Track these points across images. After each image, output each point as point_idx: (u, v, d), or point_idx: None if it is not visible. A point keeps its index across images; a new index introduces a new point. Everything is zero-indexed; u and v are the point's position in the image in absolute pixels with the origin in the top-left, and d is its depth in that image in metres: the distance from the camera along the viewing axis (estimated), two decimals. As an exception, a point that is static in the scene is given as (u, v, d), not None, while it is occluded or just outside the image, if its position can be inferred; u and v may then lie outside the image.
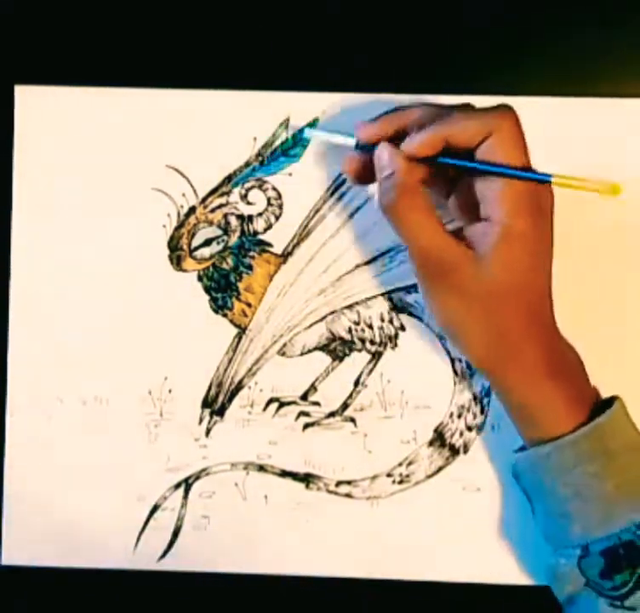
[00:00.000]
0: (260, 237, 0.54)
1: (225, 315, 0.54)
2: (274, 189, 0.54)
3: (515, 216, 0.44)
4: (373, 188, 0.53)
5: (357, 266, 0.54)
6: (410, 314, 0.54)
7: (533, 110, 0.53)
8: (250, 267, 0.54)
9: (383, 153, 0.46)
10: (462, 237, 0.46)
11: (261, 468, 0.54)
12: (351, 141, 0.48)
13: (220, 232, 0.54)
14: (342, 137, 0.49)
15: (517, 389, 0.46)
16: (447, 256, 0.45)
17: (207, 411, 0.54)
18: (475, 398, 0.53)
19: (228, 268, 0.54)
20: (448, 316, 0.46)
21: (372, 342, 0.54)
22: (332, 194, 0.54)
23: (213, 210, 0.54)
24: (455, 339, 0.47)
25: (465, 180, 0.47)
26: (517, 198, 0.45)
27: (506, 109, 0.46)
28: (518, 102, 0.53)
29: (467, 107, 0.47)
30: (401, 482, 0.53)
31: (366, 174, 0.48)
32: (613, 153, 0.53)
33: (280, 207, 0.54)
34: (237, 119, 0.54)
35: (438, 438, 0.53)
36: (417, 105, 0.47)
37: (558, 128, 0.53)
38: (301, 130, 0.53)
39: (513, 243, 0.45)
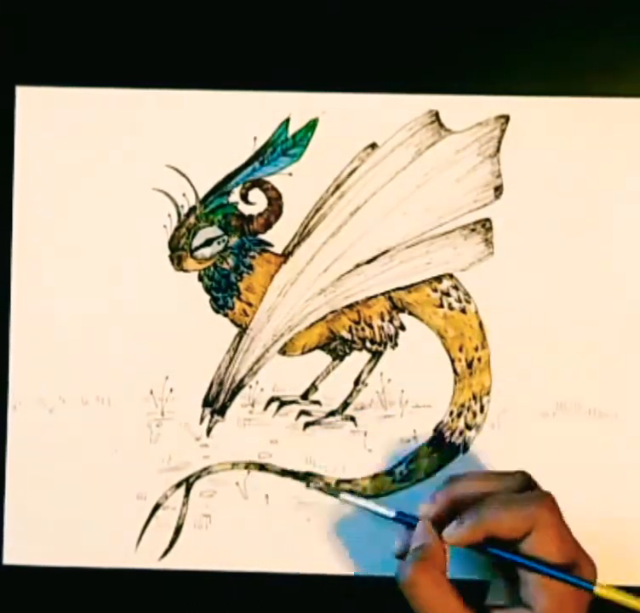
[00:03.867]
0: (261, 236, 0.54)
1: (225, 315, 0.54)
2: (274, 189, 0.54)
3: (560, 608, 0.44)
4: (373, 187, 0.54)
5: (358, 266, 0.54)
6: (410, 314, 0.54)
7: (532, 110, 0.53)
8: (251, 267, 0.54)
9: (421, 529, 0.47)
10: None
11: (262, 467, 0.54)
12: (391, 513, 0.49)
13: (220, 232, 0.54)
14: (382, 508, 0.49)
15: None
16: None
17: (208, 410, 0.54)
18: (474, 397, 0.53)
19: (229, 268, 0.54)
20: None
21: (372, 341, 0.54)
22: (332, 194, 0.54)
23: (213, 210, 0.54)
24: None
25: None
26: (559, 594, 0.44)
27: (547, 500, 0.46)
28: (518, 102, 0.53)
29: (516, 479, 0.47)
30: (401, 481, 0.53)
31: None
32: (613, 153, 0.53)
33: (280, 207, 0.54)
34: (238, 119, 0.54)
35: (438, 437, 0.53)
36: (468, 479, 0.47)
37: (558, 128, 0.53)
38: (297, 132, 0.53)
39: None
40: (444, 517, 0.47)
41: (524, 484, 0.47)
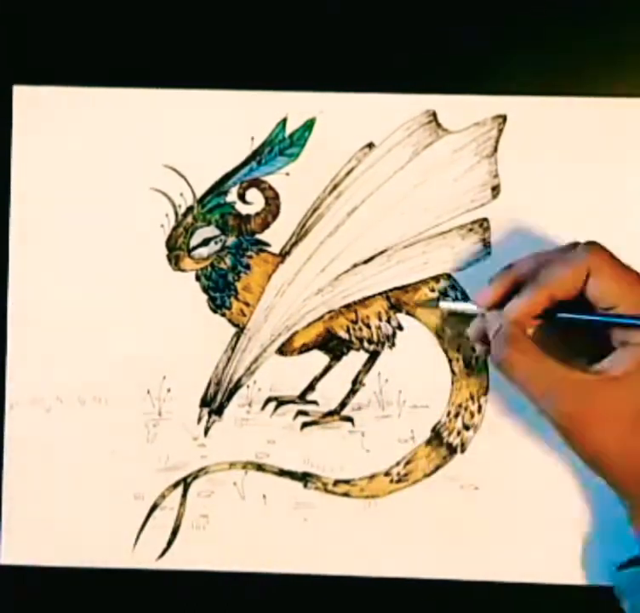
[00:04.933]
0: (258, 236, 0.54)
1: (223, 314, 0.54)
2: (272, 188, 0.54)
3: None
4: (370, 187, 0.54)
5: (355, 266, 0.54)
6: (408, 313, 0.54)
7: (529, 110, 0.53)
8: (248, 267, 0.54)
9: (491, 317, 0.48)
10: (590, 371, 0.45)
11: (260, 467, 0.54)
12: (478, 309, 0.49)
13: (217, 232, 0.54)
14: (469, 305, 0.50)
15: None
16: (579, 386, 0.44)
17: (205, 410, 0.54)
18: (472, 397, 0.53)
19: (226, 268, 0.54)
20: (595, 447, 0.45)
21: (370, 341, 0.54)
22: (330, 193, 0.54)
23: (211, 210, 0.54)
24: (604, 470, 0.45)
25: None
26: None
27: (593, 247, 0.46)
28: (515, 102, 0.53)
29: (563, 248, 0.48)
30: (399, 481, 0.53)
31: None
32: (613, 153, 0.53)
33: (278, 206, 0.54)
34: (235, 119, 0.54)
35: (436, 437, 0.53)
36: (525, 260, 0.48)
37: (558, 128, 0.53)
38: (294, 132, 0.53)
39: None
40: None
41: (575, 246, 0.47)
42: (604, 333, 0.47)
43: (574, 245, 0.47)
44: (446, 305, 0.52)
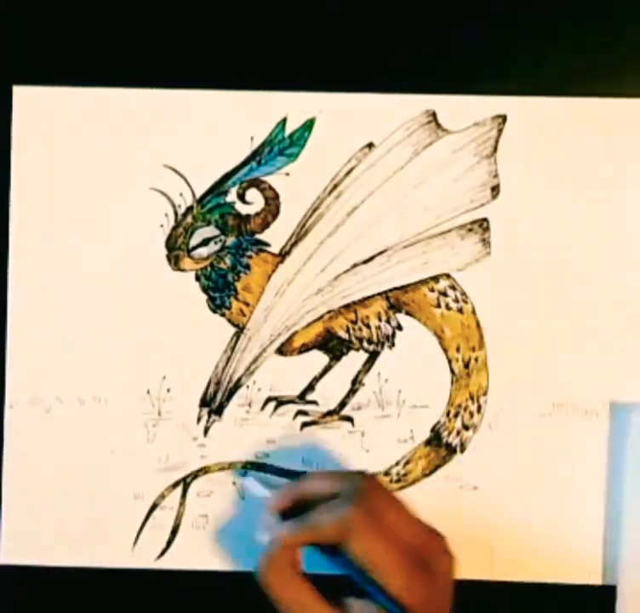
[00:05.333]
0: (258, 236, 0.54)
1: (223, 314, 0.54)
2: (271, 188, 0.54)
3: (412, 596, 0.44)
4: (370, 187, 0.54)
5: (355, 266, 0.54)
6: (407, 313, 0.54)
7: (529, 110, 0.53)
8: (248, 267, 0.54)
9: (269, 524, 0.48)
10: (344, 606, 0.46)
11: (259, 467, 0.54)
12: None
13: (217, 232, 0.54)
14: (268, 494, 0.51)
15: None
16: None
17: (205, 410, 0.54)
18: (471, 397, 0.53)
19: (226, 268, 0.54)
20: None
21: (369, 341, 0.54)
22: (329, 193, 0.54)
23: (210, 210, 0.54)
24: None
25: None
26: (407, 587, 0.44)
27: (363, 499, 0.46)
28: (515, 102, 0.53)
29: (353, 480, 0.47)
30: (398, 481, 0.53)
31: None
32: (613, 153, 0.53)
33: (277, 206, 0.54)
34: (235, 119, 0.54)
35: (435, 437, 0.53)
36: (316, 479, 0.48)
37: (558, 128, 0.53)
38: (294, 132, 0.53)
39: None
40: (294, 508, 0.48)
41: (360, 485, 0.47)
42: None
43: (355, 480, 0.47)
44: (249, 483, 0.53)
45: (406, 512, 0.46)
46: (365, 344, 0.54)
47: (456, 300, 0.53)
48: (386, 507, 0.46)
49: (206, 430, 0.54)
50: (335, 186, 0.54)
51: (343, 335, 0.54)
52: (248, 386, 0.54)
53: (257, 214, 0.54)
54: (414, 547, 0.45)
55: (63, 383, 0.54)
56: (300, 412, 0.54)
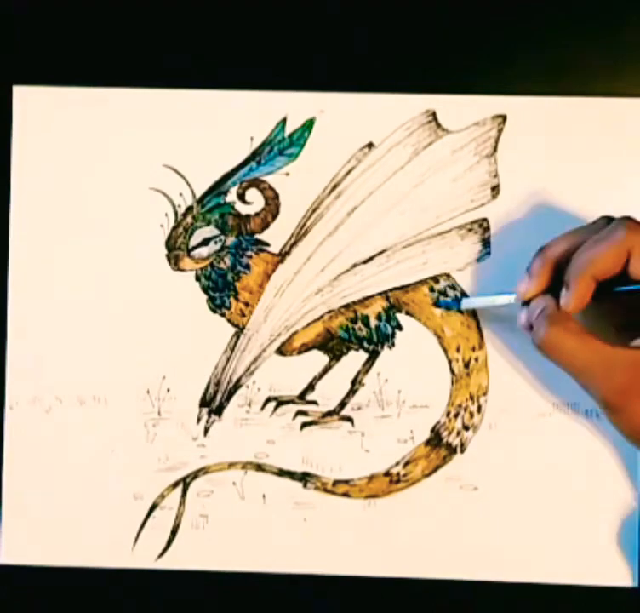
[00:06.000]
0: (258, 236, 0.54)
1: (223, 314, 0.54)
2: (271, 188, 0.54)
3: None
4: (370, 187, 0.54)
5: (355, 266, 0.54)
6: (407, 313, 0.54)
7: (529, 110, 0.53)
8: (248, 267, 0.54)
9: (535, 304, 0.47)
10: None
11: (259, 467, 0.54)
12: (512, 298, 0.49)
13: (217, 232, 0.54)
14: (503, 297, 0.50)
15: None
16: (628, 361, 0.44)
17: (205, 410, 0.54)
18: (472, 397, 0.53)
19: (226, 268, 0.54)
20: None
21: (369, 341, 0.54)
22: (329, 193, 0.54)
23: (210, 210, 0.54)
24: None
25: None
26: None
27: (630, 222, 0.45)
28: (515, 102, 0.53)
29: (597, 224, 0.47)
30: (398, 481, 0.53)
31: None
32: (613, 153, 0.53)
33: (277, 206, 0.54)
34: (235, 119, 0.54)
35: (435, 438, 0.53)
36: (557, 243, 0.47)
37: (558, 128, 0.53)
38: (293, 132, 0.53)
39: None
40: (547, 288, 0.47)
41: (608, 221, 0.46)
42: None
43: (607, 220, 0.47)
44: (472, 304, 0.52)
45: None
46: (365, 344, 0.54)
47: (456, 300, 0.53)
48: None
49: (206, 430, 0.54)
50: (335, 186, 0.54)
51: (343, 334, 0.54)
52: (247, 386, 0.54)
53: (257, 214, 0.54)
54: None
55: (63, 383, 0.54)
56: (299, 412, 0.54)
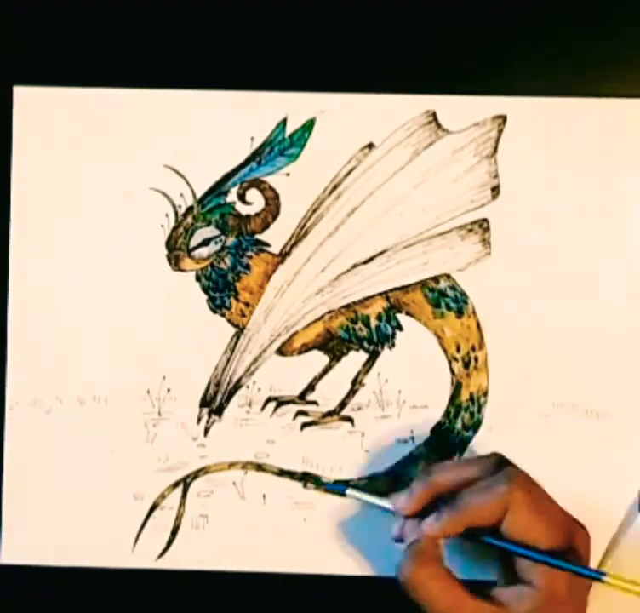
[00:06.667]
0: (258, 236, 0.54)
1: (223, 315, 0.54)
2: (272, 189, 0.54)
3: (556, 582, 0.44)
4: (370, 187, 0.54)
5: (355, 266, 0.54)
6: (408, 314, 0.54)
7: (529, 110, 0.53)
8: (248, 267, 0.54)
9: (409, 526, 0.47)
10: (492, 597, 0.45)
11: (259, 467, 0.54)
12: (389, 506, 0.49)
13: (217, 232, 0.54)
14: (385, 502, 0.49)
15: None
16: None
17: (205, 410, 0.54)
18: (472, 397, 0.53)
19: (226, 268, 0.54)
20: None
21: (369, 342, 0.54)
22: (329, 194, 0.54)
23: (210, 210, 0.54)
24: None
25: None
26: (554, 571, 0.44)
27: (517, 478, 0.45)
28: (515, 102, 0.53)
29: (489, 461, 0.47)
30: (398, 481, 0.53)
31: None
32: (613, 153, 0.53)
33: (278, 207, 0.54)
34: (235, 119, 0.54)
35: (436, 438, 0.53)
36: (445, 471, 0.47)
37: (558, 129, 0.53)
38: (294, 132, 0.53)
39: (554, 608, 0.44)
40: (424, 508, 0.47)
41: (497, 466, 0.47)
42: (512, 559, 0.46)
43: (498, 461, 0.47)
44: (356, 494, 0.51)
45: (550, 497, 0.46)
46: (365, 344, 0.54)
47: (456, 301, 0.53)
48: (537, 488, 0.46)
49: (206, 430, 0.54)
50: (335, 187, 0.54)
51: (343, 335, 0.54)
52: (248, 387, 0.54)
53: (257, 214, 0.54)
54: (564, 533, 0.45)
55: (63, 383, 0.54)
56: (300, 412, 0.54)
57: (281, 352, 0.54)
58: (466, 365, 0.53)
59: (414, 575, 0.45)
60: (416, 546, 0.46)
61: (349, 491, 0.51)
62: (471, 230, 0.53)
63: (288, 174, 0.54)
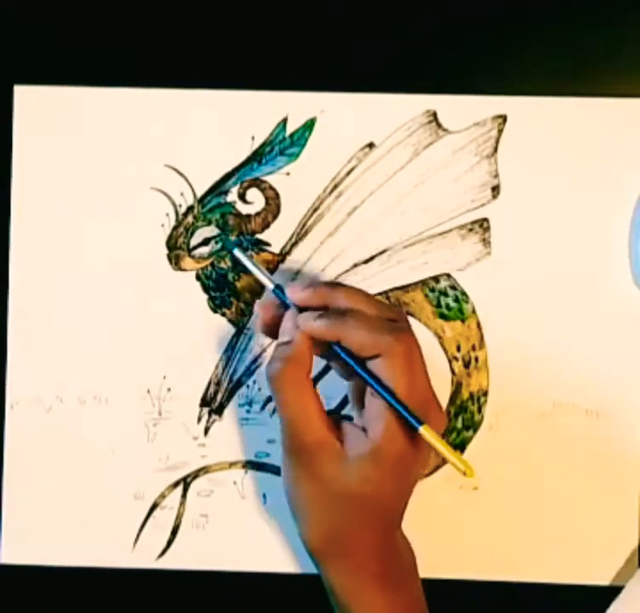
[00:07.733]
0: (258, 236, 0.54)
1: (223, 314, 0.54)
2: (272, 188, 0.54)
3: (389, 440, 0.44)
4: (370, 187, 0.54)
5: (355, 266, 0.54)
6: (408, 313, 0.54)
7: (529, 110, 0.53)
8: (248, 267, 0.54)
9: (289, 321, 0.46)
10: (341, 428, 0.46)
11: (260, 467, 0.54)
12: (270, 285, 0.48)
13: (218, 232, 0.54)
14: (263, 276, 0.49)
15: (340, 587, 0.46)
16: (314, 440, 0.45)
17: (205, 410, 0.54)
18: (471, 397, 0.53)
19: (226, 267, 0.54)
20: (296, 494, 0.46)
21: (370, 341, 0.54)
22: (330, 193, 0.54)
23: (211, 210, 0.54)
24: (296, 518, 0.46)
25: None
26: (392, 425, 0.44)
27: (404, 334, 0.45)
28: (515, 102, 0.53)
29: (383, 307, 0.46)
30: (398, 481, 0.53)
31: (273, 329, 0.47)
32: (613, 153, 0.53)
33: (278, 206, 0.54)
34: (235, 118, 0.54)
35: (436, 437, 0.53)
36: (347, 289, 0.47)
37: (558, 128, 0.53)
38: (294, 132, 0.53)
39: (380, 464, 0.44)
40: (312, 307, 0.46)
41: (397, 318, 0.46)
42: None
43: (400, 316, 0.46)
44: (241, 256, 0.50)
45: (427, 372, 0.46)
46: (365, 344, 0.54)
47: (456, 300, 0.53)
48: (420, 358, 0.45)
49: (206, 430, 0.54)
50: (336, 186, 0.54)
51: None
52: (248, 386, 0.54)
53: (257, 213, 0.54)
54: (421, 402, 0.44)
55: (63, 383, 0.54)
56: (300, 412, 0.54)
57: (281, 351, 0.54)
58: (466, 365, 0.53)
59: (280, 374, 0.45)
60: (290, 346, 0.45)
61: (236, 250, 0.50)
62: (471, 230, 0.53)
63: (288, 174, 0.54)
